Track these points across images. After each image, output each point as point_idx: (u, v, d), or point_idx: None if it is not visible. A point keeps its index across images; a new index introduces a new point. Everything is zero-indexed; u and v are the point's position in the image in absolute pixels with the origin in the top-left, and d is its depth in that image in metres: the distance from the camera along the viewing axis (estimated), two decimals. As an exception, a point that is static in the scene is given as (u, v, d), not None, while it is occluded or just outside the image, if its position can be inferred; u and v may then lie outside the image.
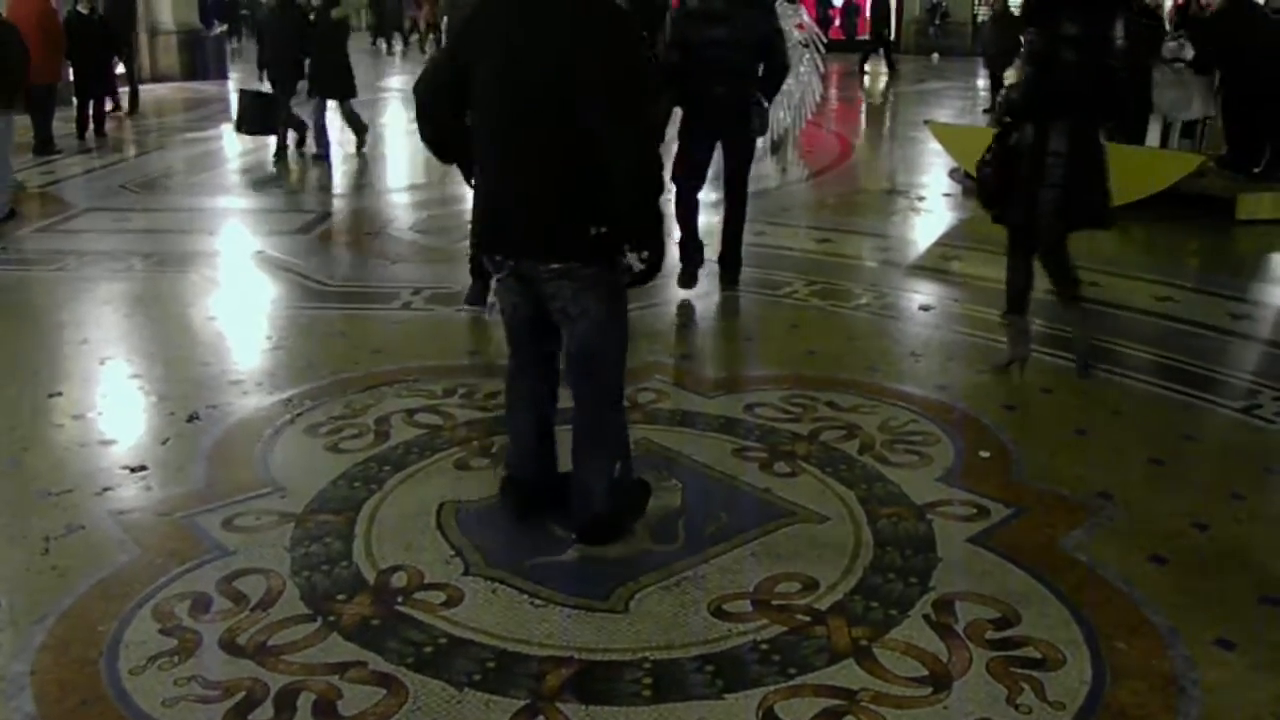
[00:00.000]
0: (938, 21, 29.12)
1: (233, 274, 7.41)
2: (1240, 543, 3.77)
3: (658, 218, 3.39)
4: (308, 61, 11.55)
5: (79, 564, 3.53)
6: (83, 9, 12.75)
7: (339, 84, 11.67)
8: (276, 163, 11.60)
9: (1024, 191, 5.20)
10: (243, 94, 12.26)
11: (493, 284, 3.80)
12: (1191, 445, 4.68)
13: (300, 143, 12.00)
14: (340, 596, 3.32)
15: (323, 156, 11.78)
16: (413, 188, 11.18)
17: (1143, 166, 9.26)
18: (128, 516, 3.85)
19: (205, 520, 3.79)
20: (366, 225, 8.97)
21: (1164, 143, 10.31)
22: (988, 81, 17.40)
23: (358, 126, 12.15)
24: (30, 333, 6.10)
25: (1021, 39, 5.65)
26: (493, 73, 3.32)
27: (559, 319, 3.47)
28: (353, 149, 12.29)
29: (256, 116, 11.65)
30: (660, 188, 3.39)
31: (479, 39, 3.40)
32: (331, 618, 3.20)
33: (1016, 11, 16.93)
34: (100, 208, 9.41)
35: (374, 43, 33.09)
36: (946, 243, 8.55)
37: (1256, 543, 3.77)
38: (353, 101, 11.99)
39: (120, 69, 14.74)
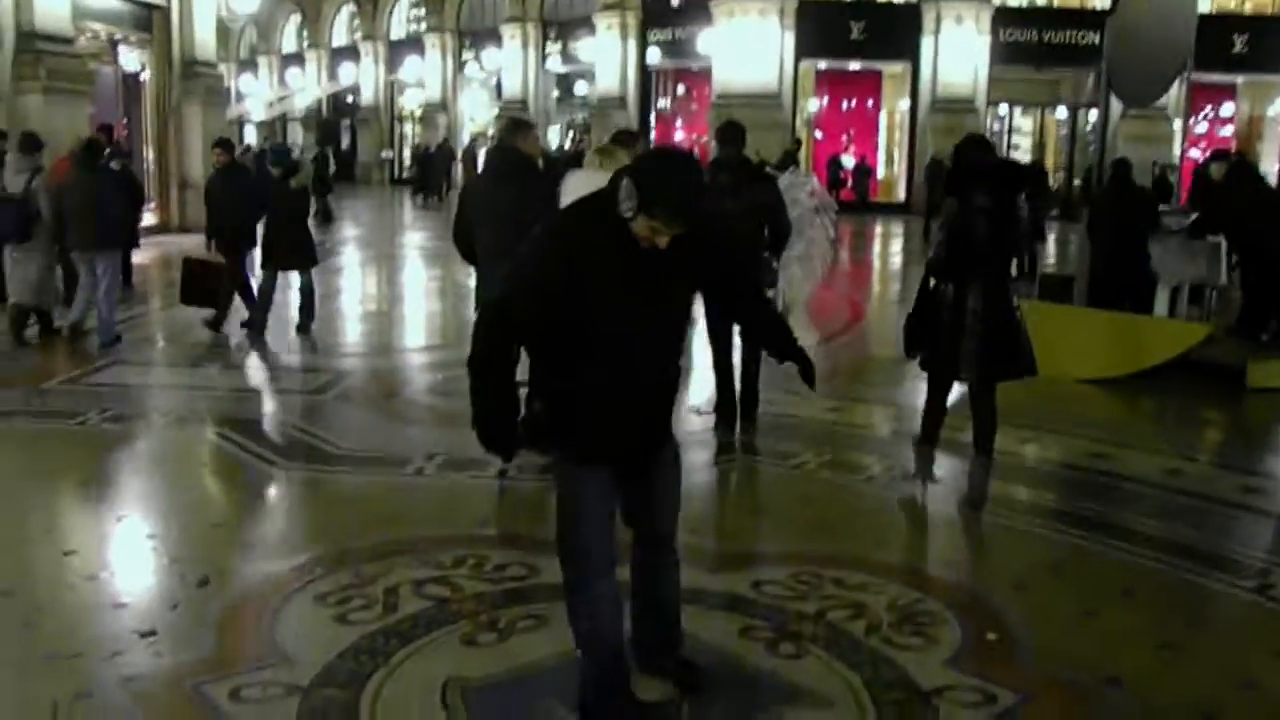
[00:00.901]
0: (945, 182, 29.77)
1: (247, 434, 7.50)
2: (1251, 735, 3.74)
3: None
4: (261, 230, 10.62)
5: (86, 733, 3.54)
6: (115, 165, 13.16)
7: (297, 256, 10.64)
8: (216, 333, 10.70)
9: (948, 341, 6.14)
10: (186, 261, 11.14)
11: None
12: (1202, 628, 4.66)
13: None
14: (343, 777, 3.31)
15: (253, 327, 10.56)
16: (429, 348, 11.34)
17: (1151, 335, 9.39)
18: (136, 684, 3.86)
19: (213, 690, 3.80)
20: (382, 387, 9.09)
21: (1171, 311, 10.43)
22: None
23: (309, 304, 10.90)
24: (48, 488, 6.17)
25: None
26: (635, 280, 3.37)
27: (653, 494, 3.79)
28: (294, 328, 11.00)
29: (196, 288, 10.71)
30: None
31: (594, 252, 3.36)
32: (333, 800, 3.19)
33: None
34: (124, 360, 9.55)
35: (415, 196, 32.65)
36: (956, 413, 8.59)
37: (1267, 736, 3.74)
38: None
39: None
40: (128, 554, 5.18)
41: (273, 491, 6.16)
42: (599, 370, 3.42)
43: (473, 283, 6.79)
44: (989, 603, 4.69)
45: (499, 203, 6.26)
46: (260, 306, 10.63)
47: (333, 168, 25.57)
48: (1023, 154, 30.95)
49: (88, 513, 5.74)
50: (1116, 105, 27.56)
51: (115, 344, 9.88)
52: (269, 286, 10.68)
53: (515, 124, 7.13)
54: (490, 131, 37.28)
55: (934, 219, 17.31)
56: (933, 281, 6.23)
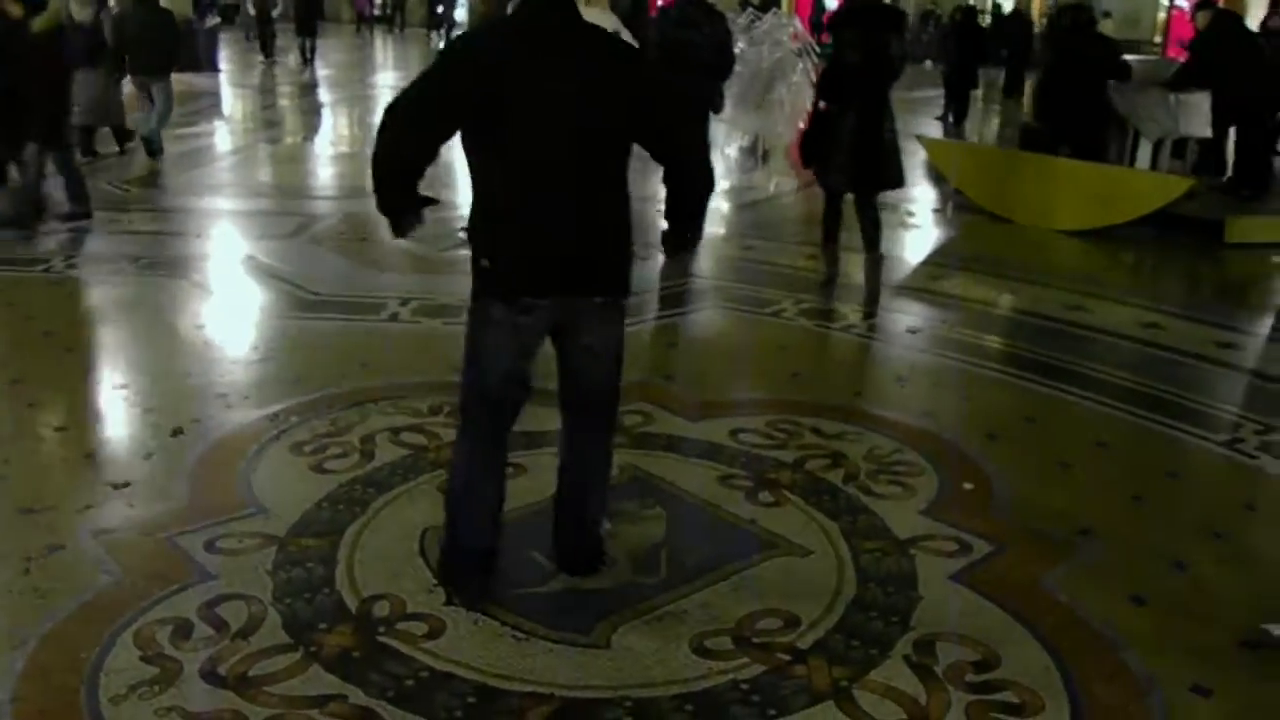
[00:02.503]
0: (930, 28, 29.17)
1: (222, 280, 7.40)
2: (1219, 585, 3.79)
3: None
4: None
5: (60, 586, 3.51)
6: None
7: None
8: None
9: (829, 156, 7.16)
10: None
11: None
12: (1174, 480, 4.70)
13: None
14: (322, 625, 3.31)
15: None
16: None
17: (1133, 188, 9.32)
18: (110, 536, 3.83)
19: (187, 542, 3.78)
20: (354, 231, 8.92)
21: (1154, 164, 10.33)
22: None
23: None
24: (12, 339, 6.07)
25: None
26: (552, 107, 3.18)
27: (578, 359, 3.46)
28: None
29: None
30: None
31: (520, 72, 3.18)
32: (313, 648, 3.19)
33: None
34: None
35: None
36: (936, 261, 8.58)
37: (1235, 585, 3.79)
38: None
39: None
40: (99, 405, 5.11)
41: (246, 339, 6.07)
42: (510, 185, 3.25)
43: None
44: (965, 452, 4.70)
45: None
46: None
47: (279, 6, 24.76)
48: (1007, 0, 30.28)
49: (56, 364, 5.65)
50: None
51: (160, 154, 11.47)
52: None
53: None
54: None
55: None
56: (821, 104, 7.30)
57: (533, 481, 4.09)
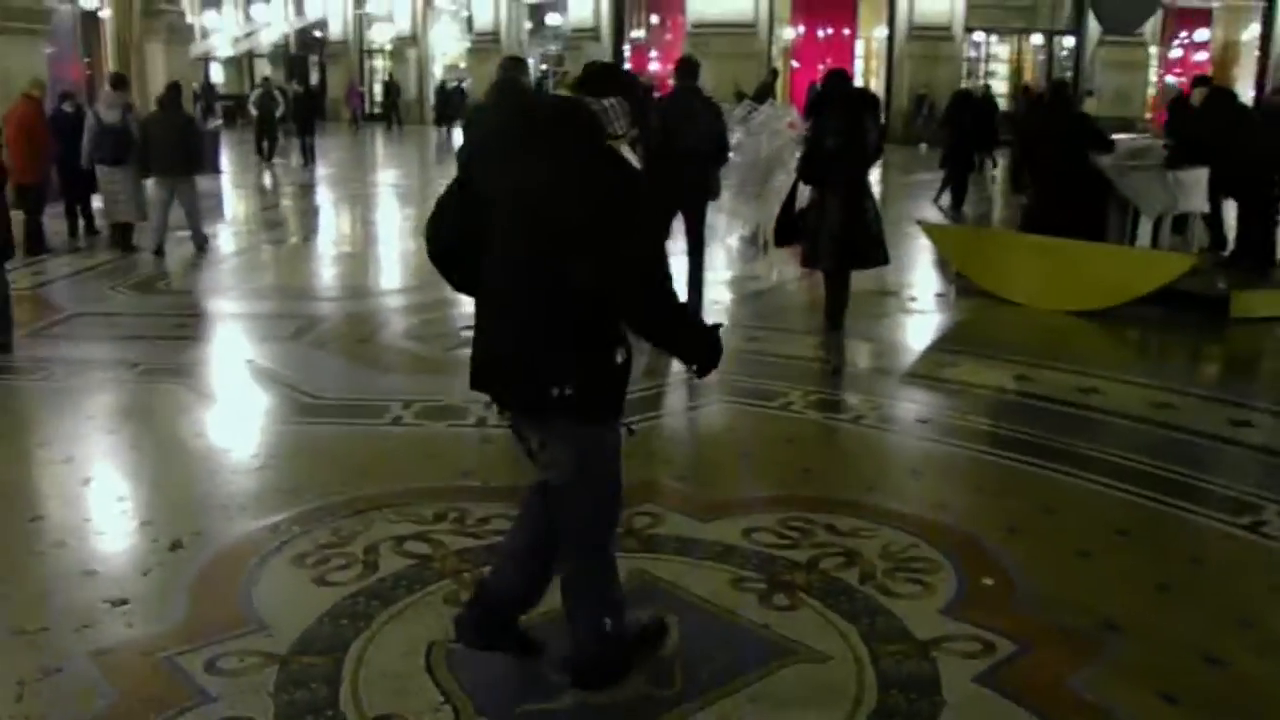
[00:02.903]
0: (925, 111, 29.48)
1: (221, 385, 7.33)
2: (1251, 677, 3.66)
3: (684, 326, 3.38)
4: None
5: (55, 712, 3.41)
6: (68, 107, 12.83)
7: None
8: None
9: (812, 236, 7.83)
10: None
11: None
12: (1198, 567, 4.58)
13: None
14: (325, 751, 3.19)
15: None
16: (403, 291, 11.13)
17: (1135, 267, 9.29)
18: (107, 656, 3.72)
19: (187, 661, 3.66)
20: (356, 332, 8.88)
21: (1154, 242, 10.32)
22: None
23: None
24: (7, 450, 5.99)
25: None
26: (497, 201, 3.19)
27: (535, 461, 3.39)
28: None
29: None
30: (673, 305, 3.27)
31: (486, 161, 3.37)
32: (315, 776, 3.07)
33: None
34: (88, 312, 9.33)
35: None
36: (942, 347, 8.52)
37: (1269, 678, 3.66)
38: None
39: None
40: (98, 518, 5.02)
41: (246, 447, 5.99)
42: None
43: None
44: (983, 546, 4.59)
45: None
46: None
47: (281, 107, 25.02)
48: (999, 81, 30.63)
49: (55, 475, 5.56)
50: (1093, 31, 27.52)
51: (207, 245, 12.24)
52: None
53: (516, 61, 8.41)
54: (463, 65, 36.93)
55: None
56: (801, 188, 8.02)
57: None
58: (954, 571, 4.34)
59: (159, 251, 11.75)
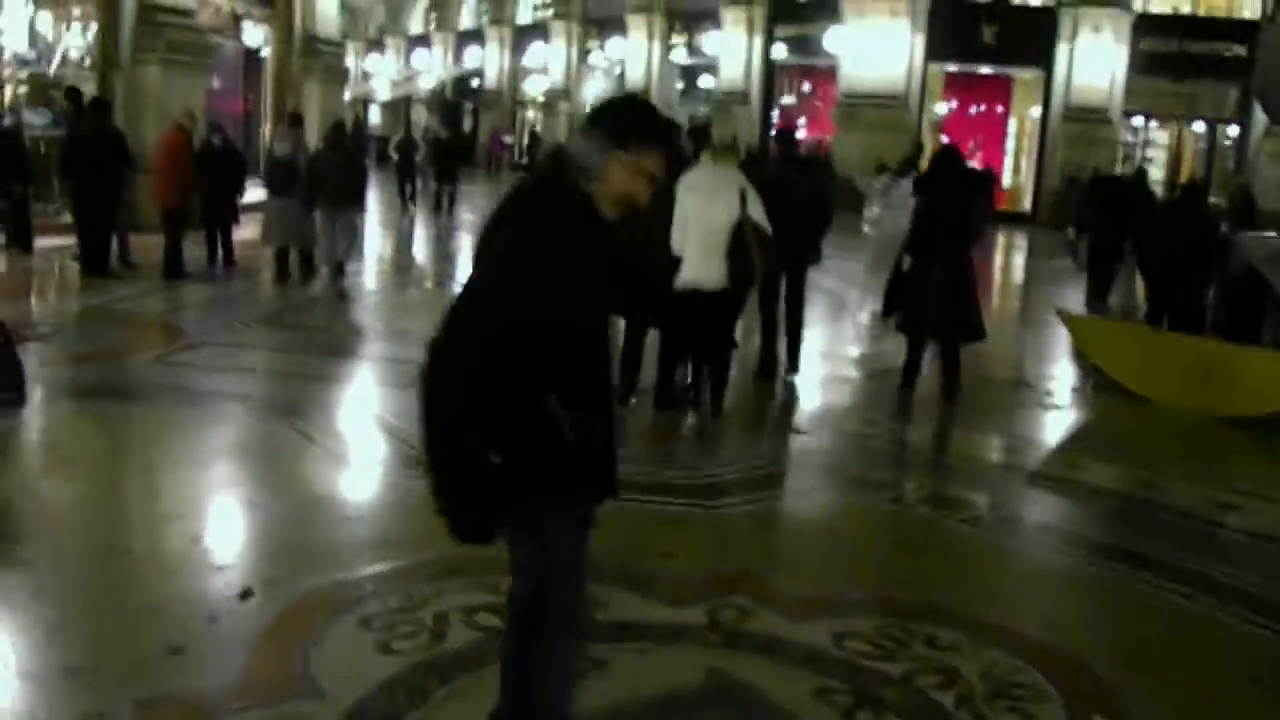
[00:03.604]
0: (1077, 196, 28.63)
1: (328, 429, 7.25)
2: None
3: (460, 438, 2.86)
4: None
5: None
6: (216, 140, 13.20)
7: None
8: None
9: (916, 308, 8.11)
10: None
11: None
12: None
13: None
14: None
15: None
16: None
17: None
18: (151, 710, 3.59)
19: (231, 723, 3.51)
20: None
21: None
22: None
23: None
24: (104, 477, 5.98)
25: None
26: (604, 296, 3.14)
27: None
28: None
29: None
30: (471, 395, 2.81)
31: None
32: None
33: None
34: (212, 342, 9.42)
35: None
36: (1074, 447, 8.03)
37: None
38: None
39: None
40: (174, 556, 4.93)
41: (340, 496, 5.88)
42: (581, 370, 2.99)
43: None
44: (1097, 678, 4.18)
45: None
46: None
47: (422, 150, 25.37)
48: (1157, 167, 29.61)
49: (140, 503, 5.52)
50: (1260, 121, 26.40)
51: (343, 277, 12.35)
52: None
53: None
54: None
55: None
56: (906, 260, 8.21)
57: (611, 684, 3.72)
58: (1061, 704, 3.94)
59: (339, 273, 12.23)
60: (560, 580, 3.08)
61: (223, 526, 5.39)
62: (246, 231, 13.73)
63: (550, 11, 40.78)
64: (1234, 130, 30.58)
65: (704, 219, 7.00)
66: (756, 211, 6.99)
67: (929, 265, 8.00)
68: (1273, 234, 10.70)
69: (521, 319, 2.78)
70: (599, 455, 3.03)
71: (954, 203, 8.06)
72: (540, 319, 2.80)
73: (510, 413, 2.83)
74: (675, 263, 7.03)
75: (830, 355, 10.55)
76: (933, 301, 7.95)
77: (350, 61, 32.68)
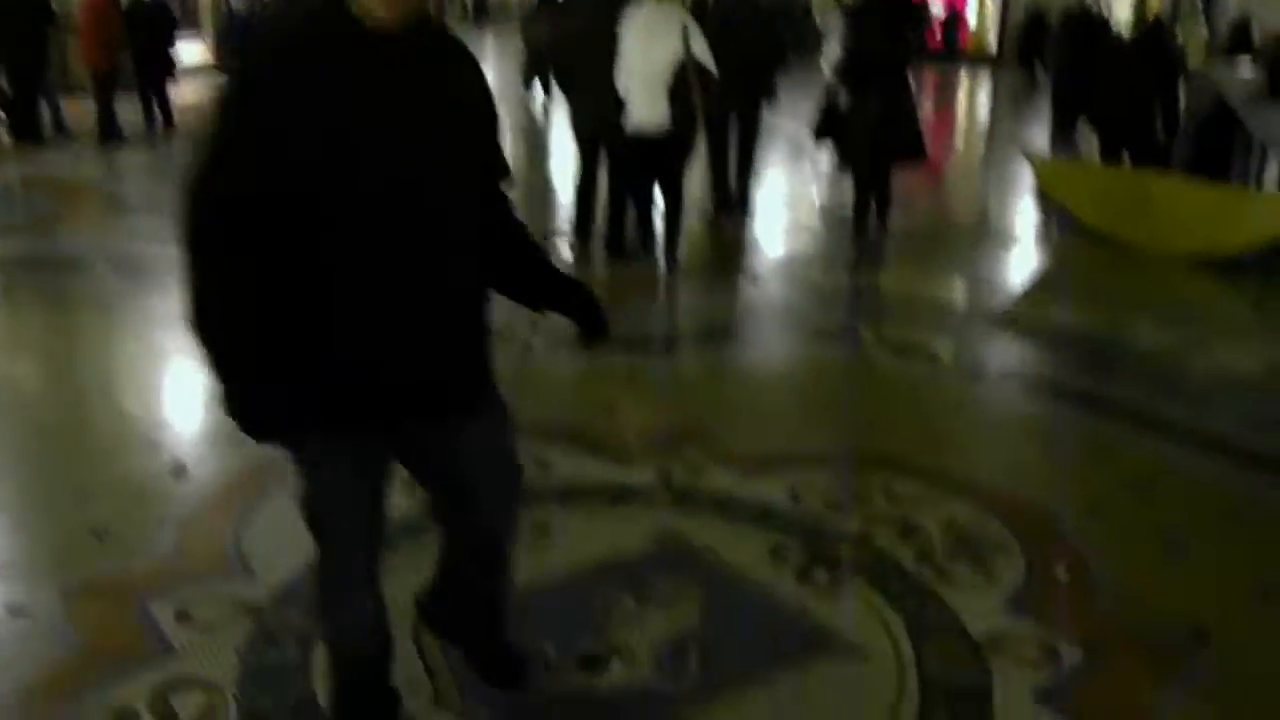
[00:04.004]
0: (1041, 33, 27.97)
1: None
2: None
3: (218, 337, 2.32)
4: None
5: (11, 656, 3.12)
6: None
7: None
8: None
9: (852, 142, 8.06)
10: None
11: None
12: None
13: None
14: (284, 729, 2.84)
15: None
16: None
17: (1260, 212, 8.49)
18: (77, 596, 3.42)
19: (158, 607, 3.35)
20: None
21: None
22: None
23: None
24: (34, 354, 5.73)
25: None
26: (372, 163, 2.19)
27: (464, 474, 2.61)
28: None
29: None
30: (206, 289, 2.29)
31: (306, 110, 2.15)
32: (267, 760, 2.72)
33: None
34: (150, 209, 9.03)
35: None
36: (1039, 290, 7.87)
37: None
38: None
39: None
40: (103, 434, 4.72)
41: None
42: (341, 270, 2.23)
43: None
44: (1061, 527, 4.06)
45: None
46: None
47: None
48: (1124, 8, 28.92)
49: (59, 386, 5.29)
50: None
51: None
52: None
53: None
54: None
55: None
56: (840, 94, 8.09)
57: (557, 548, 3.57)
58: (1023, 556, 3.83)
59: None
60: (315, 538, 2.57)
61: (156, 403, 5.17)
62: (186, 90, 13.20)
63: None
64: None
65: (646, 59, 6.72)
66: (700, 49, 6.71)
67: (861, 97, 7.90)
68: (1250, 75, 10.38)
69: (210, 191, 2.18)
70: (380, 384, 2.33)
71: (884, 32, 7.91)
72: (232, 190, 2.16)
73: (226, 313, 2.23)
74: (620, 105, 6.81)
75: (787, 199, 10.30)
76: (864, 130, 7.89)
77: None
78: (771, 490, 4.24)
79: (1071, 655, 3.25)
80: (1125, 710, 3.04)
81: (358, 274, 2.22)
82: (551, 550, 3.70)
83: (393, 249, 2.23)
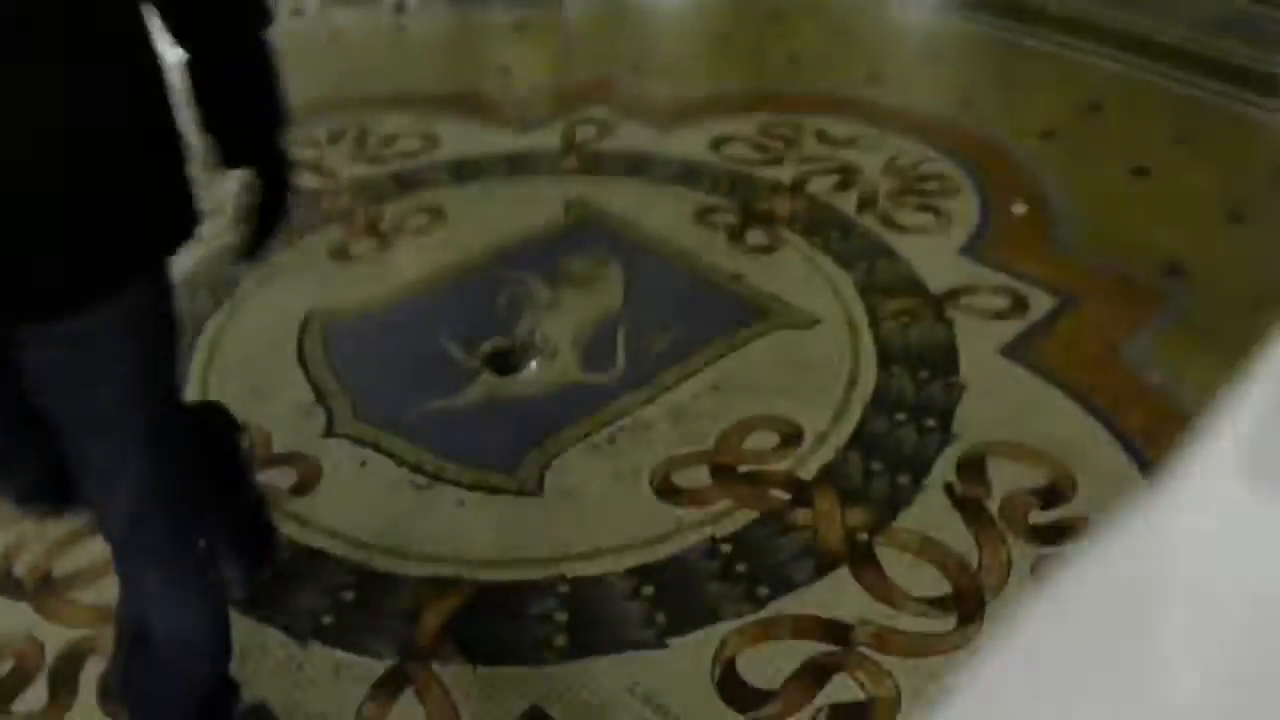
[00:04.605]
0: None
1: None
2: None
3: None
4: None
5: None
6: None
7: None
8: None
9: None
10: None
11: None
12: (1280, 185, 3.68)
13: None
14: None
15: None
16: None
17: None
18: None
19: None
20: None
21: None
22: None
23: None
24: None
25: None
26: None
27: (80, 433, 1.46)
28: None
29: None
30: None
31: None
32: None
33: None
34: None
35: None
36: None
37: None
38: None
39: None
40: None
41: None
42: None
43: None
44: (1014, 158, 3.67)
45: None
46: None
47: None
48: None
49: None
50: None
51: None
52: None
53: None
54: None
55: None
56: None
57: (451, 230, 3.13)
58: (976, 194, 3.45)
59: None
60: None
61: None
62: None
63: None
64: None
65: None
66: None
67: None
68: None
69: None
70: None
71: None
72: None
73: None
74: None
75: None
76: None
77: None
78: (692, 145, 3.77)
79: (1038, 301, 2.93)
80: (1099, 358, 2.72)
81: None
82: (447, 235, 3.26)
83: None
